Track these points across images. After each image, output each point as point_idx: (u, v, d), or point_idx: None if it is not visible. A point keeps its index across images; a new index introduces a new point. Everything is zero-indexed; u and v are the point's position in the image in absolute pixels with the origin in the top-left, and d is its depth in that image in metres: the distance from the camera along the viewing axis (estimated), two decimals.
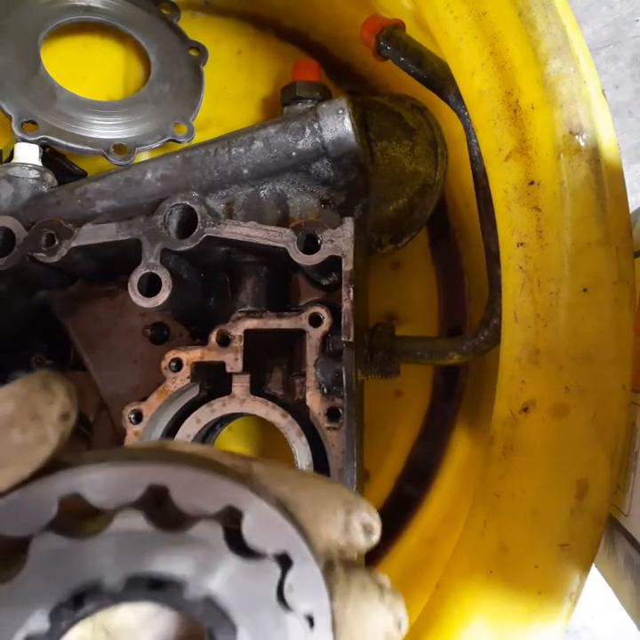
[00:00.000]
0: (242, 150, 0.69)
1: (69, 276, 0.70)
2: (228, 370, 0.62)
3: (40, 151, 0.73)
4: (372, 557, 0.77)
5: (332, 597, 0.29)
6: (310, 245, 0.60)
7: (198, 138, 0.80)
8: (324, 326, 0.61)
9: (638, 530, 0.49)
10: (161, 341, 0.70)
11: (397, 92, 0.80)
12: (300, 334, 0.62)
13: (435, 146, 0.74)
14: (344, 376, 0.58)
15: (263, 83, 0.86)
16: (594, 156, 0.52)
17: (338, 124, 0.67)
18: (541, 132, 0.53)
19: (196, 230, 0.61)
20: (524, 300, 0.53)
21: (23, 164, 0.71)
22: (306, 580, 0.29)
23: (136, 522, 0.27)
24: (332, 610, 0.29)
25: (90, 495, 0.27)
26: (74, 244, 0.62)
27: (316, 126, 0.67)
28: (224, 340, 0.63)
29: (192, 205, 0.62)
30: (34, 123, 0.73)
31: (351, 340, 0.58)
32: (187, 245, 0.61)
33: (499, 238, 0.57)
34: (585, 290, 0.51)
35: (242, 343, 0.62)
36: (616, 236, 0.52)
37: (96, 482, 0.27)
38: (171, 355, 0.63)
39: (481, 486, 0.55)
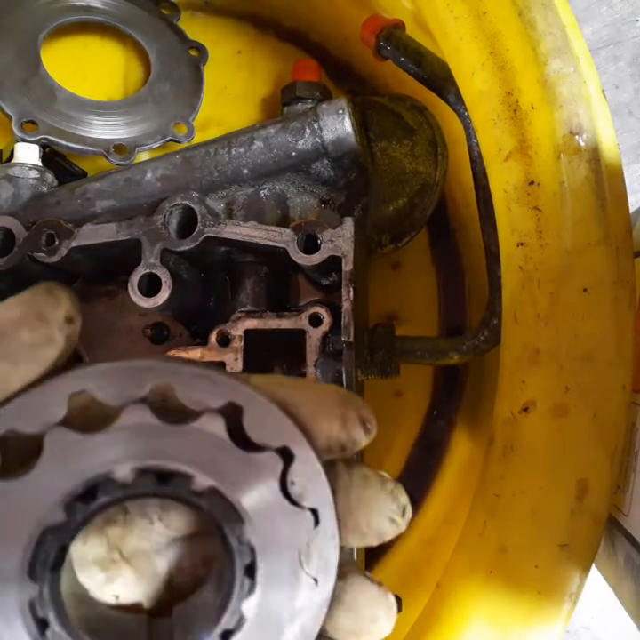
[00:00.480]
0: (242, 150, 0.69)
1: (69, 275, 0.70)
2: (229, 370, 0.62)
3: (40, 151, 0.73)
4: (373, 557, 0.77)
5: (334, 490, 0.30)
6: (310, 245, 0.60)
7: (198, 138, 0.80)
8: (324, 326, 0.61)
9: (638, 530, 0.49)
10: (161, 341, 0.70)
11: (397, 91, 0.80)
12: (300, 334, 0.62)
13: (435, 146, 0.74)
14: (344, 376, 0.58)
15: (263, 83, 0.86)
16: (594, 156, 0.52)
17: (338, 124, 0.67)
18: (541, 132, 0.53)
19: (196, 230, 0.61)
20: (524, 300, 0.53)
21: (23, 164, 0.71)
22: (308, 474, 0.29)
23: (143, 416, 0.28)
24: (336, 501, 0.30)
25: (97, 392, 0.28)
26: (74, 243, 0.62)
27: (315, 126, 0.67)
28: (224, 340, 0.63)
29: (192, 205, 0.62)
30: (34, 123, 0.73)
31: (351, 339, 0.58)
32: (187, 245, 0.61)
33: (499, 238, 0.57)
34: (585, 290, 0.51)
35: (242, 343, 0.62)
36: (616, 236, 0.52)
37: (103, 380, 0.28)
38: (171, 355, 0.63)
39: (481, 486, 0.55)
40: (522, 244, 0.53)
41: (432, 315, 0.83)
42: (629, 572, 0.51)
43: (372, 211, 0.73)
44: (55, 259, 0.62)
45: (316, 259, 0.60)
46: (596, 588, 0.58)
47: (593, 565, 0.52)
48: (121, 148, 0.76)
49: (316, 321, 0.62)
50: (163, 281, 0.60)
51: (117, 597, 0.32)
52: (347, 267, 0.59)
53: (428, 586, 0.59)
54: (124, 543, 0.33)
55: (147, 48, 0.83)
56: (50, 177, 0.73)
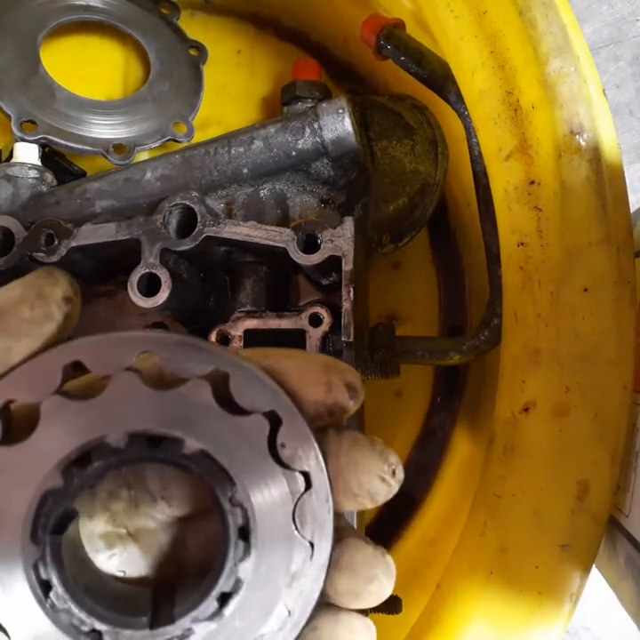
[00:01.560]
0: (241, 150, 0.69)
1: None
2: None
3: (39, 151, 0.73)
4: None
5: (324, 452, 0.30)
6: (310, 245, 0.60)
7: (198, 137, 0.80)
8: (324, 326, 0.61)
9: (639, 530, 0.49)
10: None
11: (397, 91, 0.80)
12: (300, 334, 0.62)
13: (435, 145, 0.74)
14: None
15: (263, 82, 0.86)
16: (594, 155, 0.52)
17: (338, 124, 0.67)
18: (542, 131, 0.53)
19: (196, 230, 0.61)
20: (524, 299, 0.53)
21: (22, 164, 0.71)
22: (298, 437, 0.30)
23: (131, 383, 0.29)
24: (326, 463, 0.30)
25: (88, 362, 0.29)
26: (73, 243, 0.62)
27: (315, 126, 0.67)
28: (224, 340, 0.63)
29: (192, 205, 0.62)
30: (33, 122, 0.73)
31: (351, 339, 0.58)
32: (186, 245, 0.61)
33: (499, 238, 0.57)
34: (586, 290, 0.51)
35: (241, 343, 0.62)
36: (617, 235, 0.52)
37: (93, 351, 0.30)
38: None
39: (481, 487, 0.55)
40: (522, 244, 0.53)
41: (432, 315, 0.83)
42: (630, 573, 0.51)
43: (372, 210, 0.73)
44: (54, 258, 0.62)
45: (315, 258, 0.60)
46: (597, 588, 0.58)
47: (593, 566, 0.52)
48: (120, 148, 0.76)
49: (316, 321, 0.62)
50: (162, 281, 0.60)
51: (124, 572, 0.33)
52: (347, 266, 0.59)
53: (429, 586, 0.59)
54: (130, 520, 0.34)
55: (146, 47, 0.82)
56: (49, 176, 0.73)
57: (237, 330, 0.62)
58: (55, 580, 0.28)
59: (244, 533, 0.29)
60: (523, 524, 0.51)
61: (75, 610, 0.29)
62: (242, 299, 0.67)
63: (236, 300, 0.67)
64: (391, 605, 0.61)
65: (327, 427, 0.31)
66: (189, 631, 0.29)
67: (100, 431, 0.29)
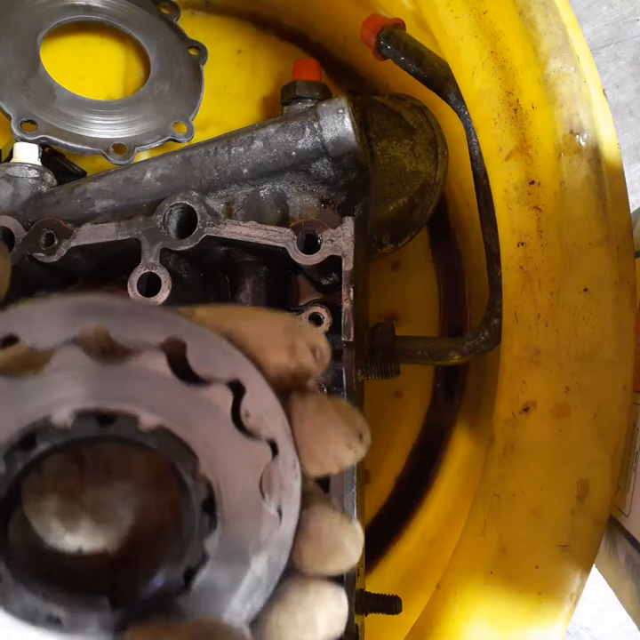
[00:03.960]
0: (241, 150, 0.69)
1: (69, 275, 0.70)
2: None
3: (39, 151, 0.73)
4: (373, 558, 0.77)
5: (289, 418, 0.29)
6: (310, 245, 0.60)
7: (198, 137, 0.80)
8: (324, 326, 0.61)
9: (639, 530, 0.49)
10: None
11: (397, 91, 0.80)
12: None
13: (435, 145, 0.74)
14: (344, 376, 0.58)
15: (263, 82, 0.86)
16: (594, 155, 0.52)
17: (338, 124, 0.67)
18: (542, 131, 0.53)
19: (196, 230, 0.61)
20: (524, 299, 0.53)
21: (22, 164, 0.71)
22: (262, 405, 0.28)
23: (76, 356, 0.27)
24: (292, 430, 0.29)
25: (25, 335, 0.26)
26: (73, 243, 0.62)
27: (315, 126, 0.67)
28: None
29: (192, 205, 0.62)
30: (33, 122, 0.73)
31: (351, 339, 0.58)
32: (186, 245, 0.61)
33: (499, 238, 0.57)
34: (586, 290, 0.51)
35: None
36: (617, 235, 0.52)
37: (30, 322, 0.26)
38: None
39: (481, 487, 0.55)
40: (522, 244, 0.53)
41: (432, 315, 0.83)
42: (630, 573, 0.51)
43: (372, 210, 0.73)
44: (54, 258, 0.62)
45: (315, 259, 0.60)
46: (597, 588, 0.58)
47: (593, 566, 0.52)
48: (120, 148, 0.76)
49: (316, 321, 0.62)
50: (162, 281, 0.60)
51: (81, 549, 0.32)
52: (347, 266, 0.59)
53: (429, 586, 0.59)
54: (84, 494, 0.32)
55: (146, 47, 0.82)
56: (49, 176, 0.73)
57: None
58: (3, 571, 0.26)
59: (209, 507, 0.28)
60: (522, 524, 0.51)
61: (28, 599, 0.27)
62: (242, 299, 0.67)
63: (236, 300, 0.67)
64: (391, 605, 0.61)
65: (290, 390, 0.30)
66: (154, 609, 0.28)
67: (43, 412, 0.26)
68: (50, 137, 0.73)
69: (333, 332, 0.61)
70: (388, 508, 0.80)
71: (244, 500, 0.28)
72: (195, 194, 0.63)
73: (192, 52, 0.85)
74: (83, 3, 0.81)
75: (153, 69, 0.82)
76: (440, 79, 0.67)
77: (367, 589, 0.61)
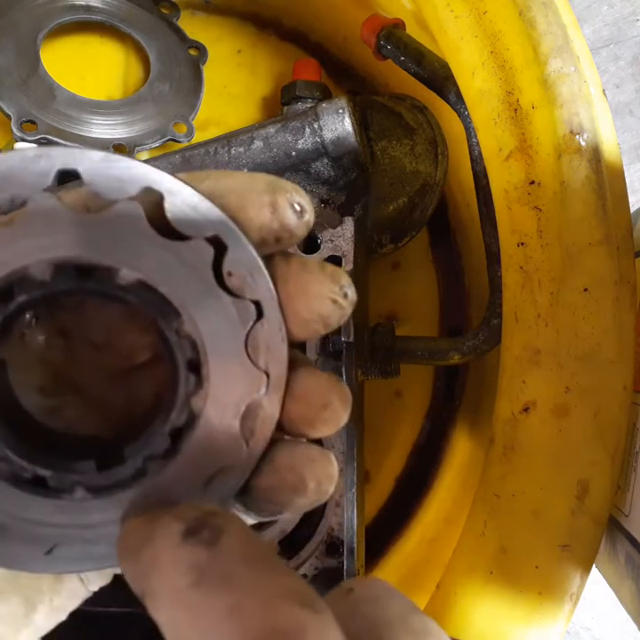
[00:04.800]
0: (241, 150, 0.69)
1: None
2: None
3: None
4: (373, 557, 0.77)
5: (274, 279, 0.28)
6: (310, 245, 0.60)
7: (198, 137, 0.80)
8: None
9: (639, 530, 0.49)
10: None
11: (397, 91, 0.80)
12: None
13: (435, 145, 0.74)
14: (344, 376, 0.58)
15: (263, 82, 0.86)
16: (594, 155, 0.52)
17: (338, 124, 0.67)
18: (542, 131, 0.53)
19: None
20: (524, 299, 0.53)
21: None
22: (245, 265, 0.28)
23: (50, 204, 0.26)
24: (277, 292, 0.28)
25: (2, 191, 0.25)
26: None
27: (315, 126, 0.67)
28: None
29: None
30: (33, 122, 0.73)
31: (351, 340, 0.58)
32: None
33: (499, 238, 0.57)
34: (586, 290, 0.51)
35: None
36: (617, 235, 0.52)
37: (8, 177, 0.25)
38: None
39: (481, 487, 0.55)
40: (522, 244, 0.53)
41: (432, 315, 0.83)
42: (630, 573, 0.51)
43: (372, 210, 0.73)
44: None
45: (315, 259, 0.60)
46: (597, 588, 0.58)
47: (593, 566, 0.52)
48: (120, 148, 0.76)
49: None
50: None
51: (67, 428, 0.31)
52: (347, 267, 0.59)
53: (429, 586, 0.59)
54: (72, 370, 0.31)
55: (146, 47, 0.82)
56: None
57: None
58: None
59: (194, 366, 0.27)
60: (522, 524, 0.51)
61: (13, 457, 0.26)
62: None
63: None
64: None
65: (273, 254, 0.29)
66: (142, 471, 0.27)
67: (20, 262, 0.25)
68: (50, 137, 0.73)
69: (333, 332, 0.61)
70: (387, 507, 0.80)
71: (230, 361, 0.27)
72: None
73: (192, 52, 0.85)
74: (83, 3, 0.81)
75: (153, 69, 0.82)
76: (440, 79, 0.67)
77: None
